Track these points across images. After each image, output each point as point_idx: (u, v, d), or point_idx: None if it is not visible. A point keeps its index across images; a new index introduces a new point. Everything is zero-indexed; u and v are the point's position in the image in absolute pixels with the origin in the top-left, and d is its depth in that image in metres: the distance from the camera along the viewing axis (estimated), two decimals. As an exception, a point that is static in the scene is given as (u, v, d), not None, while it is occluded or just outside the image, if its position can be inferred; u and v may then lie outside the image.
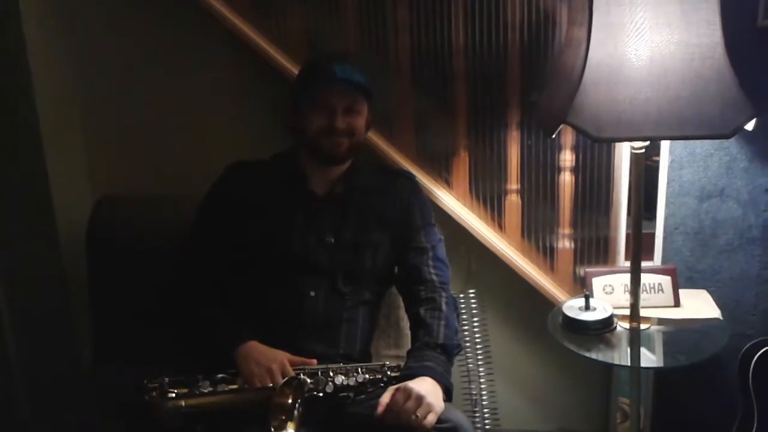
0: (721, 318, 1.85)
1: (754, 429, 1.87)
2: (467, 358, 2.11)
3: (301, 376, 1.50)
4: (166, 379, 1.51)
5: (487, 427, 2.13)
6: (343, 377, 1.52)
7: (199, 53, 2.04)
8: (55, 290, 2.00)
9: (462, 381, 2.10)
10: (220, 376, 1.52)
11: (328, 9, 2.00)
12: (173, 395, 1.50)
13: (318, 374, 1.52)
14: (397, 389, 1.46)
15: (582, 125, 1.49)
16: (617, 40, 1.48)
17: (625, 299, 1.81)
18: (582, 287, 1.99)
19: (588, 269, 1.95)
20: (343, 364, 1.57)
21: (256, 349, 1.55)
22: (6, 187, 1.94)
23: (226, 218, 1.67)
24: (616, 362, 1.75)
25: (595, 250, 2.08)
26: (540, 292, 2.06)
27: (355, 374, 1.53)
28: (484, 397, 2.13)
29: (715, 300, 1.93)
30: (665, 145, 1.97)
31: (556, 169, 2.02)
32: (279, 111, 1.72)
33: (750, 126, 1.69)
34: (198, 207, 1.72)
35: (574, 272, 2.08)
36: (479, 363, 2.12)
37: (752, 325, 2.03)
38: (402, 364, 1.57)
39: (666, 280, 1.90)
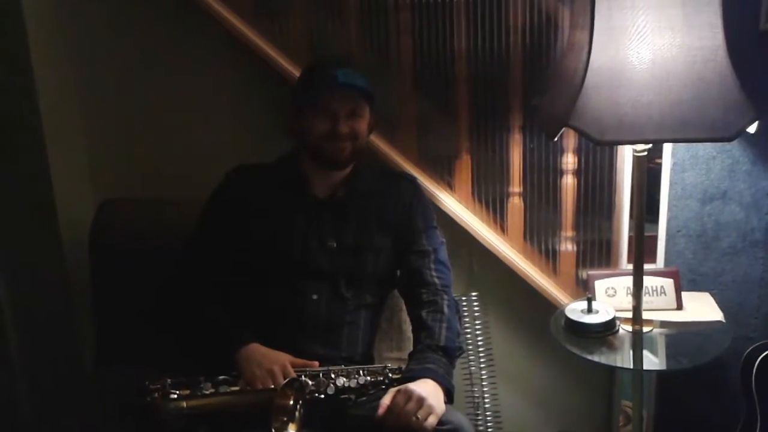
0: (723, 321, 1.85)
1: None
2: (469, 360, 2.11)
3: (303, 378, 1.51)
4: (168, 381, 1.52)
5: (489, 430, 2.13)
6: (344, 379, 1.53)
7: (201, 55, 2.05)
8: (57, 292, 2.00)
9: (464, 383, 2.10)
10: (221, 377, 1.53)
11: (331, 12, 2.00)
12: (175, 397, 1.50)
13: (319, 376, 1.53)
14: (398, 391, 1.46)
15: (584, 128, 1.49)
16: (619, 43, 1.48)
17: (628, 302, 1.81)
18: (584, 290, 1.99)
19: (590, 272, 1.95)
20: (345, 366, 1.57)
21: (258, 351, 1.55)
22: (8, 189, 1.94)
23: (228, 222, 1.68)
24: (619, 365, 1.75)
25: (597, 252, 2.08)
26: (542, 295, 2.05)
27: (356, 376, 1.54)
28: (486, 400, 2.12)
29: (717, 303, 1.93)
30: (668, 148, 1.97)
31: (559, 172, 2.02)
32: (281, 113, 1.73)
33: (752, 129, 1.69)
34: (200, 211, 1.73)
35: (577, 275, 2.08)
36: (481, 366, 2.11)
37: (755, 328, 2.03)
38: (403, 366, 1.58)
39: (668, 283, 1.90)
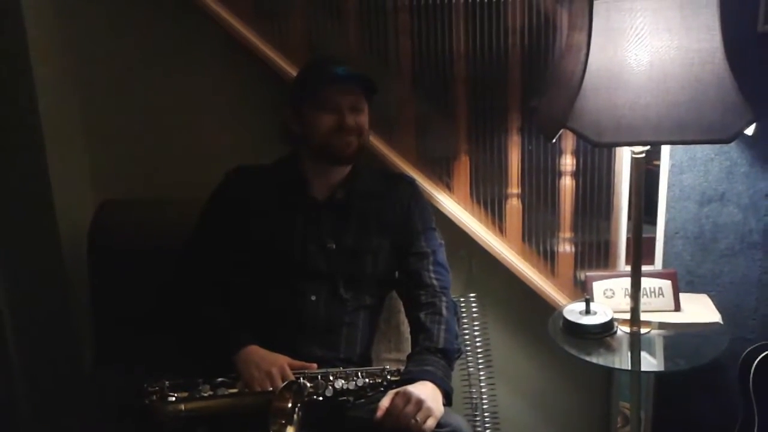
0: (721, 322, 1.85)
1: (754, 433, 1.88)
2: (468, 362, 2.11)
3: (301, 380, 1.50)
4: (167, 383, 1.52)
5: (487, 431, 2.13)
6: (342, 381, 1.53)
7: (200, 55, 2.05)
8: (56, 292, 2.00)
9: (462, 385, 2.10)
10: (220, 379, 1.53)
11: (330, 13, 2.00)
12: (173, 399, 1.50)
13: (318, 378, 1.53)
14: (397, 393, 1.46)
15: (582, 130, 1.50)
16: (617, 45, 1.49)
17: (626, 303, 1.81)
18: (582, 291, 1.99)
19: (588, 273, 1.95)
20: (343, 368, 1.57)
21: (256, 353, 1.55)
22: (7, 190, 1.94)
23: (228, 222, 1.68)
24: (617, 366, 1.76)
25: (595, 254, 2.08)
26: (541, 296, 2.06)
27: (355, 378, 1.54)
28: (485, 402, 2.12)
29: (715, 304, 1.93)
30: (666, 150, 1.98)
31: (557, 174, 2.03)
32: (280, 113, 1.73)
33: (750, 131, 1.69)
34: (199, 211, 1.73)
35: (575, 276, 2.08)
36: (480, 367, 2.12)
37: (753, 329, 2.03)
38: (402, 368, 1.58)
39: (666, 285, 1.90)
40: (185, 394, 1.51)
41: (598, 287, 1.91)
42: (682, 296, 1.91)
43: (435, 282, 1.68)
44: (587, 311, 1.82)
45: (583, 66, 1.50)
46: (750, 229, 1.98)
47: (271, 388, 1.48)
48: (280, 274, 1.64)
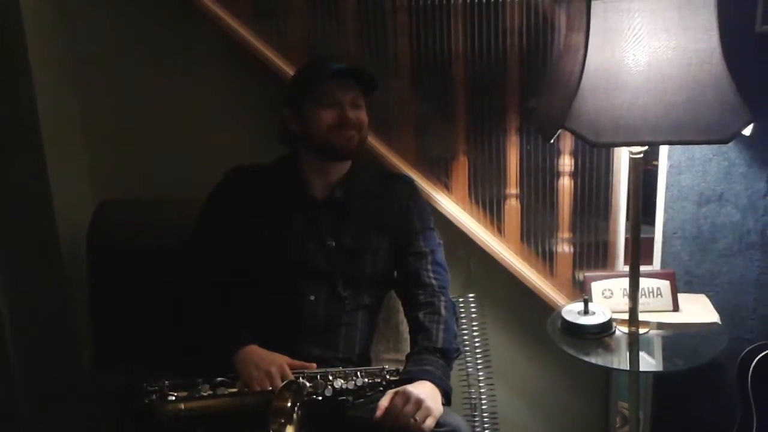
0: (719, 322, 1.85)
1: (752, 433, 1.88)
2: (467, 362, 2.11)
3: (300, 379, 1.51)
4: (166, 383, 1.52)
5: (486, 431, 2.13)
6: (342, 381, 1.53)
7: (199, 55, 2.05)
8: (55, 293, 2.00)
9: (461, 385, 2.10)
10: (219, 379, 1.53)
11: (328, 13, 2.01)
12: (173, 398, 1.50)
13: (317, 378, 1.53)
14: (396, 393, 1.46)
15: (580, 130, 1.50)
16: (615, 45, 1.49)
17: (624, 303, 1.81)
18: (581, 291, 1.99)
19: (587, 273, 1.96)
20: (342, 368, 1.58)
21: (256, 352, 1.55)
22: (6, 189, 1.95)
23: (226, 223, 1.68)
24: (615, 366, 1.76)
25: (594, 254, 2.09)
26: (539, 297, 2.06)
27: (354, 378, 1.54)
28: (484, 402, 2.13)
29: (713, 304, 1.93)
30: (664, 150, 1.98)
31: (556, 174, 2.03)
32: (279, 114, 1.73)
33: (747, 131, 1.69)
34: (198, 211, 1.73)
35: (574, 276, 2.09)
36: (479, 367, 2.12)
37: (751, 329, 2.03)
38: (401, 368, 1.58)
39: (665, 285, 1.90)
40: (185, 394, 1.51)
41: (596, 287, 1.91)
42: (681, 296, 1.91)
43: (433, 282, 1.68)
44: (586, 311, 1.82)
45: (581, 66, 1.50)
46: (748, 230, 1.99)
47: (270, 388, 1.48)
48: (279, 274, 1.64)
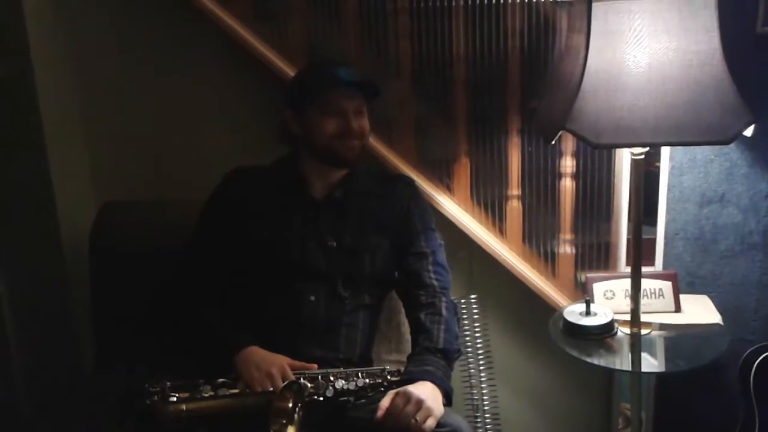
0: (721, 323, 1.85)
1: (754, 434, 1.88)
2: (468, 363, 2.11)
3: (302, 380, 1.51)
4: (168, 384, 1.52)
5: (488, 432, 2.13)
6: (343, 382, 1.53)
7: (200, 56, 2.06)
8: (57, 293, 2.01)
9: (463, 386, 2.11)
10: (221, 380, 1.53)
11: (329, 15, 2.01)
12: (174, 399, 1.51)
13: (318, 379, 1.53)
14: (397, 393, 1.46)
15: (581, 132, 1.50)
16: (616, 47, 1.49)
17: (626, 304, 1.81)
18: (583, 292, 1.99)
19: (589, 274, 1.96)
20: (343, 368, 1.58)
21: (257, 353, 1.56)
22: (9, 190, 1.95)
23: (226, 224, 1.68)
24: (617, 367, 1.76)
25: (596, 255, 2.09)
26: (541, 298, 2.06)
27: (355, 379, 1.54)
28: (486, 403, 2.13)
29: (715, 305, 1.93)
30: (666, 151, 1.98)
31: (557, 175, 2.03)
32: (280, 115, 1.74)
33: (749, 132, 1.69)
34: (199, 213, 1.73)
35: (575, 277, 2.09)
36: (480, 368, 2.12)
37: (753, 330, 2.03)
38: (402, 368, 1.58)
39: (667, 286, 1.90)
40: (186, 395, 1.51)
41: (598, 288, 1.91)
42: (683, 297, 1.91)
43: (435, 282, 1.68)
44: (587, 312, 1.82)
45: (581, 68, 1.50)
46: (750, 230, 1.99)
47: (271, 389, 1.49)
48: (279, 275, 1.65)
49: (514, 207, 2.06)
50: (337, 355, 1.65)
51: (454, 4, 1.94)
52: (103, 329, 1.91)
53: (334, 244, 1.67)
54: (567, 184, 2.02)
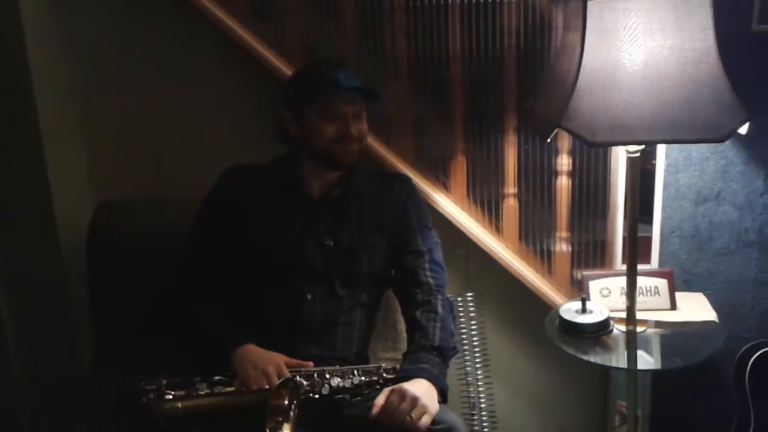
0: (717, 321, 1.85)
1: (750, 431, 1.88)
2: (465, 361, 2.12)
3: (297, 378, 1.51)
4: (164, 381, 1.52)
5: (485, 430, 2.14)
6: (339, 379, 1.53)
7: (198, 56, 2.06)
8: (55, 293, 2.01)
9: (460, 384, 2.11)
10: (216, 378, 1.53)
11: (327, 14, 2.01)
12: (170, 397, 1.51)
13: (314, 376, 1.53)
14: (392, 391, 1.46)
15: (576, 129, 1.50)
16: (611, 45, 1.50)
17: (622, 302, 1.81)
18: (579, 290, 1.99)
19: (585, 272, 1.96)
20: (339, 366, 1.58)
21: (253, 351, 1.56)
22: (6, 190, 1.95)
23: (224, 222, 1.68)
24: (613, 365, 1.77)
25: (592, 253, 2.09)
26: (537, 295, 2.06)
27: (351, 376, 1.54)
28: (482, 400, 2.13)
29: (711, 303, 1.94)
30: (662, 149, 1.98)
31: (553, 173, 2.04)
32: (278, 114, 1.74)
33: (743, 130, 1.70)
34: (196, 211, 1.73)
35: (572, 275, 2.09)
36: (477, 366, 2.12)
37: (749, 327, 2.04)
38: (398, 366, 1.58)
39: (662, 283, 1.91)
40: (182, 393, 1.51)
41: (594, 286, 1.91)
42: (678, 295, 1.92)
43: (431, 280, 1.69)
44: (583, 310, 1.83)
45: (577, 66, 1.50)
46: (746, 228, 1.99)
47: (267, 387, 1.49)
48: (277, 273, 1.65)
49: (510, 205, 2.06)
50: (334, 353, 1.65)
51: (450, 2, 1.94)
52: (101, 328, 1.91)
53: (332, 244, 1.67)
54: (563, 182, 2.03)
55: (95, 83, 2.09)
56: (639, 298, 1.80)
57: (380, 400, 1.46)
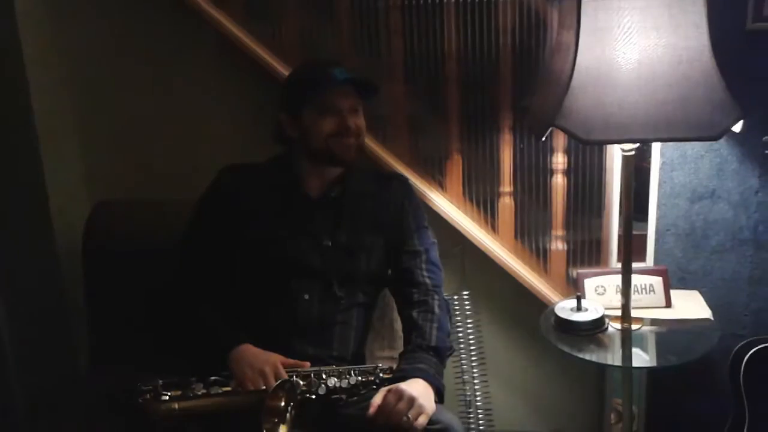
0: (712, 318, 1.86)
1: (745, 428, 1.89)
2: (461, 359, 2.12)
3: (294, 378, 1.51)
4: (160, 382, 1.52)
5: (481, 428, 2.14)
6: (335, 379, 1.53)
7: (195, 56, 2.06)
8: (51, 293, 2.00)
9: (456, 382, 2.11)
10: (213, 378, 1.53)
11: (323, 13, 2.01)
12: (167, 398, 1.50)
13: (311, 376, 1.53)
14: (389, 390, 1.47)
15: (571, 128, 1.51)
16: (605, 44, 1.50)
17: (617, 300, 1.82)
18: (574, 288, 2.00)
19: (580, 270, 1.97)
20: (336, 366, 1.58)
21: (249, 351, 1.56)
22: (2, 191, 1.95)
23: (221, 221, 1.68)
24: (608, 363, 1.76)
25: (587, 251, 2.09)
26: (533, 294, 2.07)
27: (347, 376, 1.54)
28: (478, 399, 2.14)
29: (706, 301, 1.94)
30: (656, 147, 1.99)
31: (549, 172, 2.04)
32: (275, 114, 1.74)
33: (737, 128, 1.70)
34: (192, 210, 1.73)
35: (567, 273, 2.10)
36: (473, 364, 2.13)
37: (744, 325, 2.04)
38: (395, 366, 1.59)
39: (657, 281, 1.91)
40: (178, 393, 1.51)
41: (589, 284, 1.92)
42: (673, 293, 1.92)
43: (427, 280, 1.69)
44: (579, 308, 1.83)
45: (571, 65, 1.51)
46: (740, 226, 1.99)
47: (264, 387, 1.49)
48: (274, 273, 1.65)
49: (506, 204, 2.07)
50: (331, 353, 1.65)
51: (445, 1, 1.94)
52: (97, 328, 1.92)
53: (330, 244, 1.67)
54: (558, 181, 2.03)
55: (91, 84, 2.09)
56: (634, 296, 1.80)
57: (377, 400, 1.46)
